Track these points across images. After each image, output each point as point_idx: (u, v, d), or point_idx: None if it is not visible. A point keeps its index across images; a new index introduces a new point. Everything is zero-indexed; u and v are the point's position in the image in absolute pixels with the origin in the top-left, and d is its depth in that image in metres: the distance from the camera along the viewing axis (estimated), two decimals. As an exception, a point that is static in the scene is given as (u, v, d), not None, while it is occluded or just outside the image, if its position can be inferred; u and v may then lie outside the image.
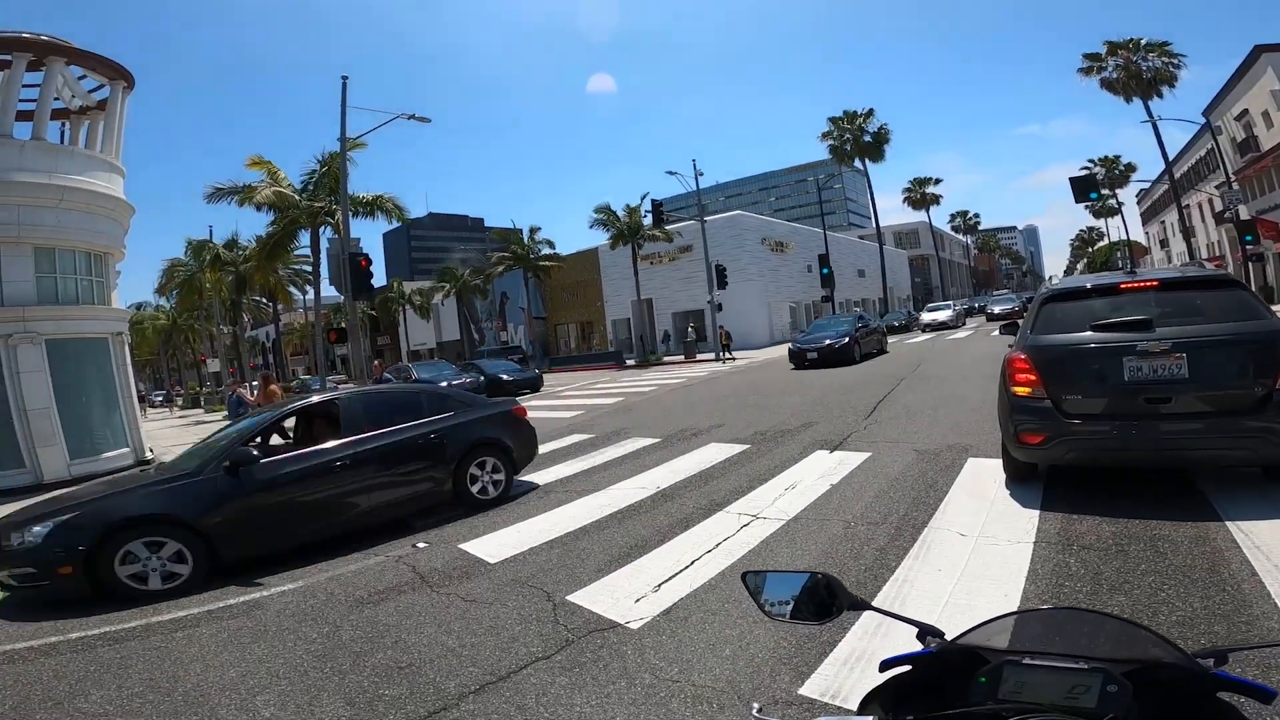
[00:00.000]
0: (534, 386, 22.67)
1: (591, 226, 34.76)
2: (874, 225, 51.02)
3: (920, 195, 66.82)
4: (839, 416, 9.46)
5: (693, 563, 4.33)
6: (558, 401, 17.61)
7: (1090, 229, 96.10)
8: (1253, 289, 4.78)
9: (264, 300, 41.77)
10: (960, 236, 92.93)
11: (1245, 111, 33.53)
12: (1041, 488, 4.99)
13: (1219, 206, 34.70)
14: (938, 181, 67.25)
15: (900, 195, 68.37)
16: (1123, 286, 4.81)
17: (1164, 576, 3.34)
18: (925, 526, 4.52)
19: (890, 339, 28.57)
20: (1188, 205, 41.86)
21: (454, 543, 5.50)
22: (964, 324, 33.72)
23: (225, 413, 17.90)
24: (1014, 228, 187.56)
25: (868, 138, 45.62)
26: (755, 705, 1.08)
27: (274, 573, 5.16)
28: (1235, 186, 33.11)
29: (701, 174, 31.12)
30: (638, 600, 3.83)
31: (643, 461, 7.96)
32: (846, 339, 18.66)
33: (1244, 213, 31.40)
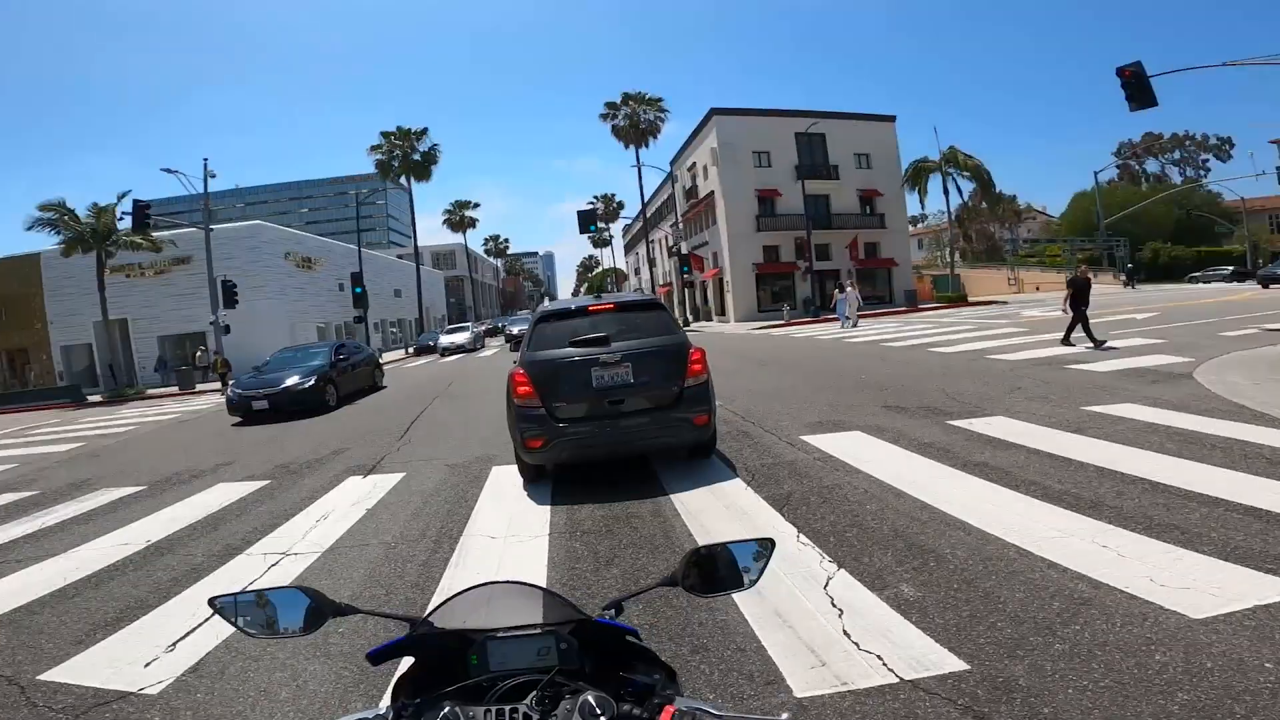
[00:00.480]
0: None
1: (30, 228, 25.82)
2: (414, 245, 51.24)
3: (460, 218, 69.44)
4: (373, 440, 9.23)
5: (210, 618, 3.66)
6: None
7: (591, 257, 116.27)
8: (670, 310, 6.49)
9: None
10: (492, 260, 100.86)
11: (695, 164, 44.78)
12: (551, 486, 5.77)
13: (672, 242, 45.67)
14: (476, 205, 70.88)
15: (441, 216, 70.14)
16: (591, 309, 5.96)
17: (639, 548, 4.22)
18: (461, 535, 4.78)
19: (422, 360, 29.03)
20: (655, 240, 54.09)
21: None
22: (484, 345, 35.04)
23: None
24: (536, 253, 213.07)
25: (417, 156, 45.48)
26: None
27: None
28: (680, 226, 44.45)
29: (214, 175, 26.44)
30: (148, 664, 3.21)
31: (122, 515, 6.41)
32: (314, 379, 13.50)
33: (685, 248, 42.41)
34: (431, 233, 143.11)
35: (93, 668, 3.26)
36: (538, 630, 1.05)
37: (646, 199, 49.42)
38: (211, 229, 26.70)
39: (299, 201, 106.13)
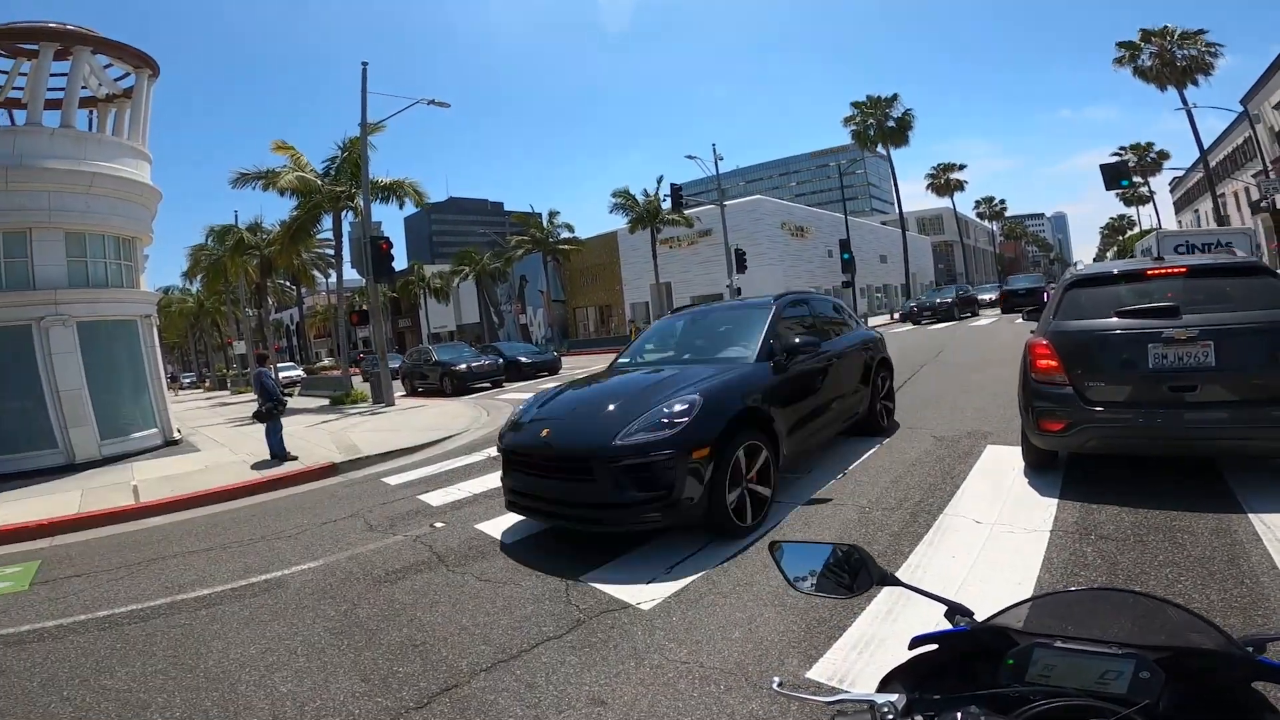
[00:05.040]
0: (552, 369, 22.83)
1: (611, 210, 34.86)
2: (897, 211, 50.17)
3: (944, 181, 65.47)
4: (857, 402, 9.36)
5: (705, 545, 4.34)
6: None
7: (1121, 217, 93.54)
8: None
9: (288, 284, 42.42)
10: (986, 223, 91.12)
11: None
12: (1061, 476, 4.92)
13: (1255, 195, 33.57)
14: (962, 167, 65.85)
15: (924, 181, 67.11)
16: (1150, 273, 4.69)
17: (1181, 568, 3.28)
18: (940, 513, 4.49)
19: (908, 327, 28.19)
20: (1222, 194, 40.63)
21: (471, 523, 5.56)
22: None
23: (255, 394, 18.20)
24: (1042, 215, 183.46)
25: (891, 123, 44.73)
26: (776, 679, 1.07)
27: (294, 551, 5.29)
28: (1272, 175, 32.03)
29: (721, 158, 30.95)
30: (650, 581, 3.85)
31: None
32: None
33: (1280, 202, 30.43)
34: (915, 198, 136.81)
35: (615, 576, 3.93)
36: (1112, 649, 0.84)
37: (1206, 147, 36.89)
38: (724, 205, 31.14)
39: (787, 176, 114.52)
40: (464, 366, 20.00)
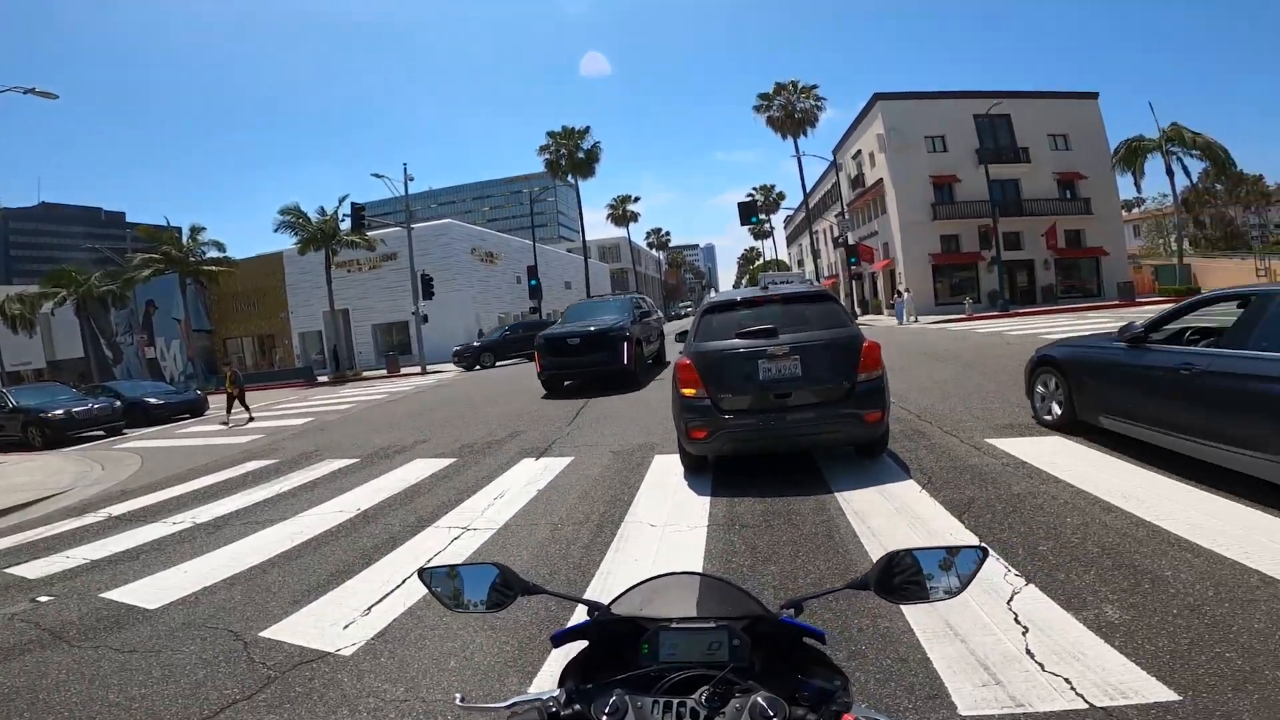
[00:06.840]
0: (195, 410, 19.23)
1: (277, 229, 30.79)
2: (581, 239, 53.59)
3: (622, 212, 71.92)
4: (544, 425, 9.82)
5: (404, 581, 4.14)
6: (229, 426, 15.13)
7: (752, 249, 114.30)
8: (841, 302, 6.21)
9: None
10: (654, 252, 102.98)
11: (860, 151, 42.63)
12: (711, 477, 5.80)
13: (836, 233, 43.86)
14: (637, 199, 73.13)
15: (605, 211, 73.09)
16: (758, 300, 5.87)
17: (799, 545, 4.12)
18: (622, 521, 4.94)
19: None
20: (818, 231, 52.37)
21: (94, 592, 4.56)
22: None
23: None
24: (697, 245, 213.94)
25: (581, 154, 47.12)
26: (458, 696, 1.12)
27: None
28: (846, 216, 42.44)
29: (412, 179, 29.71)
30: (347, 626, 3.59)
31: (340, 484, 7.35)
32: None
33: (851, 239, 40.45)
34: (597, 227, 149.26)
35: (303, 627, 3.67)
36: (710, 624, 1.04)
37: (809, 189, 47.66)
38: (412, 228, 29.92)
39: (481, 200, 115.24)
40: (60, 412, 15.78)
